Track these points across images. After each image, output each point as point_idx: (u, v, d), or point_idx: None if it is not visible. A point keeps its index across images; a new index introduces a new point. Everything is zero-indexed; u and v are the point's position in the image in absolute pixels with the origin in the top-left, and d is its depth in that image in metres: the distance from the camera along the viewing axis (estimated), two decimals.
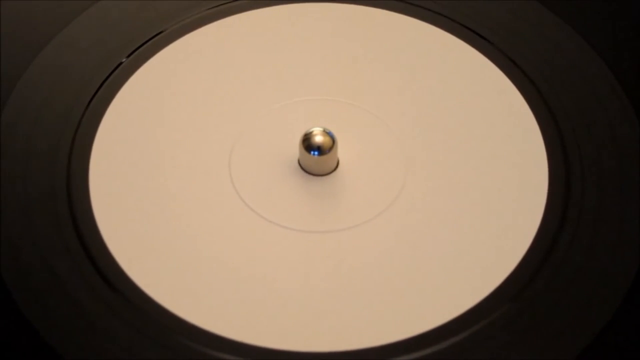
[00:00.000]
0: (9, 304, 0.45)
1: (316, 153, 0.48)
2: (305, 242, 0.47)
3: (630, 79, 0.52)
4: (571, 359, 0.43)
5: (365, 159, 0.50)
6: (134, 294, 0.45)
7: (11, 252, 0.46)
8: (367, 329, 0.44)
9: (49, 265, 0.46)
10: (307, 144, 0.48)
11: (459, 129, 0.51)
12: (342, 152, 0.50)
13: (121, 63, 0.53)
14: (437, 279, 0.45)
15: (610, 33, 0.55)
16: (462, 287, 0.45)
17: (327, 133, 0.48)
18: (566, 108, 0.51)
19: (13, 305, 0.44)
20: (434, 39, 0.54)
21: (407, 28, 0.55)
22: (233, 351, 0.43)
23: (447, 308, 0.44)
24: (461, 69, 0.53)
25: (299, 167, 0.49)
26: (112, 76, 0.52)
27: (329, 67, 0.53)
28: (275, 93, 0.52)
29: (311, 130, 0.48)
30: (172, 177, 0.49)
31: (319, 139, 0.48)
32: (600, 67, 0.53)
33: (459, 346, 0.43)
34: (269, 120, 0.51)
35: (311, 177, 0.49)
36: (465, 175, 0.49)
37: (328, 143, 0.48)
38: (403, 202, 0.48)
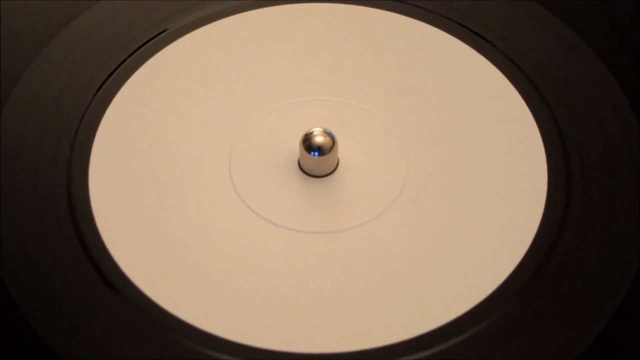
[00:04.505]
0: (9, 304, 0.44)
1: (316, 153, 0.48)
2: (306, 242, 0.47)
3: (630, 79, 0.52)
4: (573, 358, 0.43)
5: (365, 159, 0.50)
6: (133, 294, 0.45)
7: (11, 252, 0.46)
8: (368, 330, 0.44)
9: (48, 266, 0.46)
10: (308, 144, 0.48)
11: (458, 129, 0.51)
12: (342, 152, 0.50)
13: (121, 63, 0.53)
14: (438, 279, 0.45)
15: (610, 33, 0.55)
16: (464, 287, 0.45)
17: (328, 133, 0.48)
18: (566, 108, 0.51)
19: (13, 305, 0.44)
20: (434, 40, 0.54)
21: (407, 29, 0.55)
22: (233, 352, 0.43)
23: (448, 308, 0.44)
24: (461, 70, 0.53)
25: (299, 168, 0.49)
26: (112, 76, 0.52)
27: (329, 67, 0.53)
28: (276, 93, 0.52)
29: (311, 130, 0.48)
30: (172, 177, 0.49)
31: (319, 139, 0.48)
32: (599, 68, 0.53)
33: (460, 346, 0.43)
34: (269, 120, 0.51)
35: (311, 177, 0.49)
36: (465, 174, 0.49)
37: (328, 143, 0.48)
38: (403, 202, 0.48)
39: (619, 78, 0.52)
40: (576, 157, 0.49)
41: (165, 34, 0.54)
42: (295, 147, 0.49)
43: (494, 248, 0.46)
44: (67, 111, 0.51)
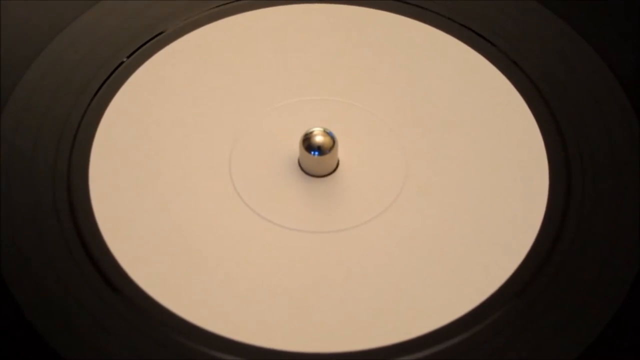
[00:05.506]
0: (9, 304, 0.44)
1: (316, 153, 0.48)
2: (306, 242, 0.47)
3: (630, 79, 0.52)
4: (573, 358, 0.43)
5: (365, 159, 0.50)
6: (134, 294, 0.45)
7: (11, 252, 0.46)
8: (368, 330, 0.44)
9: (49, 265, 0.46)
10: (308, 144, 0.48)
11: (459, 129, 0.51)
12: (342, 152, 0.50)
13: (121, 63, 0.53)
14: (438, 280, 0.45)
15: (610, 33, 0.55)
16: (464, 287, 0.45)
17: (328, 133, 0.48)
18: (566, 108, 0.51)
19: (13, 305, 0.44)
20: (434, 40, 0.54)
21: (407, 29, 0.55)
22: (233, 351, 0.43)
23: (448, 309, 0.44)
24: (461, 70, 0.53)
25: (299, 168, 0.49)
26: (112, 76, 0.52)
27: (329, 67, 0.53)
28: (275, 93, 0.52)
29: (311, 130, 0.48)
30: (172, 177, 0.49)
31: (319, 139, 0.48)
32: (600, 67, 0.53)
33: (460, 346, 0.43)
34: (269, 120, 0.51)
35: (311, 177, 0.49)
36: (466, 175, 0.49)
37: (328, 143, 0.48)
38: (403, 202, 0.48)
39: (619, 78, 0.52)
40: (577, 158, 0.49)
41: (165, 34, 0.54)
42: (295, 147, 0.49)
43: (495, 248, 0.46)
44: (67, 111, 0.51)
